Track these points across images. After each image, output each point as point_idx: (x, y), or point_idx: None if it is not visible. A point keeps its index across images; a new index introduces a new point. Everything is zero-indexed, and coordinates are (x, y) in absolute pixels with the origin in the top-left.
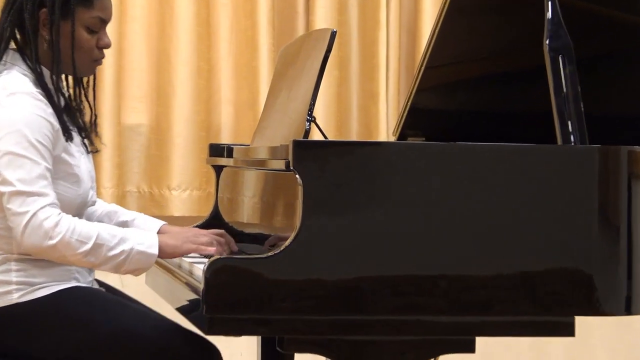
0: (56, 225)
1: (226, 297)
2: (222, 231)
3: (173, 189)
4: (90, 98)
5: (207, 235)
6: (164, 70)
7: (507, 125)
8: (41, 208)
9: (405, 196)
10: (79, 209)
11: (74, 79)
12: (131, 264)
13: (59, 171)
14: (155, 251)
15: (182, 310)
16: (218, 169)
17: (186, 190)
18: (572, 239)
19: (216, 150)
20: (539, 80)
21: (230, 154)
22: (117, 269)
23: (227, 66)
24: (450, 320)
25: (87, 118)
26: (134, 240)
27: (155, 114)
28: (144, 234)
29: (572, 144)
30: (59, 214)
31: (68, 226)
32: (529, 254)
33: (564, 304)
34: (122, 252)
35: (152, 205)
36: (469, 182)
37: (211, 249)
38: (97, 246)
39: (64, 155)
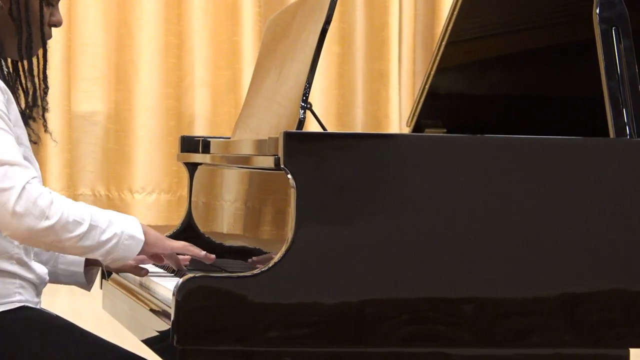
0: (52, 203)
1: (202, 325)
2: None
3: (136, 192)
4: (39, 82)
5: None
6: (124, 46)
7: (547, 113)
8: (28, 182)
9: (423, 201)
10: None
11: (13, 61)
12: (120, 250)
13: None
14: (142, 236)
15: (148, 341)
16: (191, 168)
17: (152, 193)
18: (629, 253)
19: (189, 144)
20: (588, 58)
21: (206, 149)
22: (106, 256)
23: (202, 41)
24: (476, 353)
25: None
26: (121, 222)
27: (113, 100)
28: (126, 217)
29: (628, 136)
30: (49, 190)
31: (63, 205)
32: (574, 271)
33: (617, 333)
34: (114, 235)
35: None
36: (500, 183)
37: (202, 253)
38: (91, 228)
39: (15, 129)
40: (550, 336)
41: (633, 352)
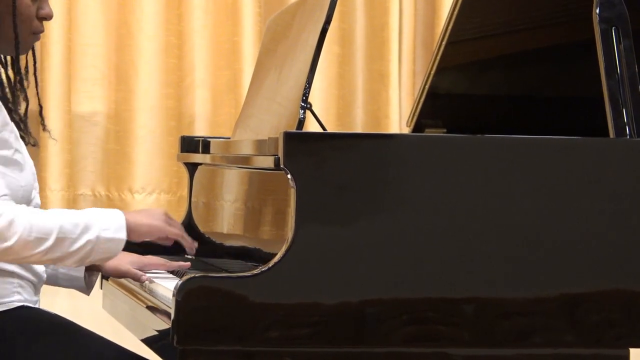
0: (10, 224)
1: (202, 325)
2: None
3: (136, 192)
4: (31, 82)
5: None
6: (124, 46)
7: (547, 113)
8: None
9: (423, 201)
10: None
11: (10, 59)
12: (98, 254)
13: None
14: (124, 235)
15: (148, 341)
16: (191, 168)
17: (152, 193)
18: (629, 253)
19: (189, 144)
20: (588, 58)
21: (206, 149)
22: (82, 262)
23: (203, 41)
24: (477, 353)
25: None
26: (99, 225)
27: (113, 100)
28: (108, 216)
29: (628, 136)
30: (12, 209)
31: (25, 224)
32: (574, 271)
33: (617, 333)
34: (88, 242)
35: None
36: (500, 183)
37: (195, 244)
38: (59, 241)
39: (3, 133)
40: (550, 336)
41: (633, 352)
